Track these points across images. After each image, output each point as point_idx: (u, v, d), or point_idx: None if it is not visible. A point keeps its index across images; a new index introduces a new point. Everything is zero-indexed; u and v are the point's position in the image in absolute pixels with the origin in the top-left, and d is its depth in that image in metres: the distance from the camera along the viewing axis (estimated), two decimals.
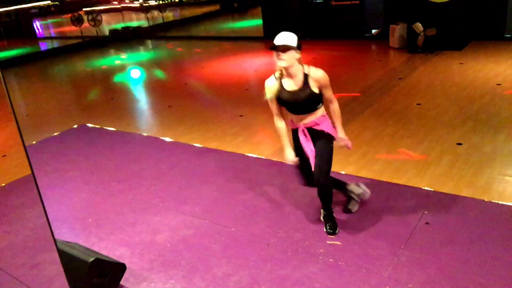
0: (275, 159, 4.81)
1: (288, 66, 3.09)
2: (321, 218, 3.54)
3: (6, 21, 17.98)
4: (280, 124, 3.36)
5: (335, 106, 3.29)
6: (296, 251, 3.25)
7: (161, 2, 19.75)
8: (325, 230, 3.43)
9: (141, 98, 8.32)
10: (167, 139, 5.78)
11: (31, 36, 18.28)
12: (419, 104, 6.08)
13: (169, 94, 8.20)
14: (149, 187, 4.49)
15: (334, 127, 3.32)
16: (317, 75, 3.16)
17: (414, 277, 2.88)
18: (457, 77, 7.11)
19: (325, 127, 3.26)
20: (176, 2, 22.95)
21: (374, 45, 10.32)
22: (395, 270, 2.96)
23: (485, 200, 3.66)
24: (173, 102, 7.51)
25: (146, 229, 3.76)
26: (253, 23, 15.23)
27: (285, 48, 3.03)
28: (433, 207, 3.62)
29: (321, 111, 3.26)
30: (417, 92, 6.59)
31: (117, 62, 12.19)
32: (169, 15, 19.94)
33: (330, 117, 3.32)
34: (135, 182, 4.63)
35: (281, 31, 3.21)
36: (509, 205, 3.55)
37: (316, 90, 3.15)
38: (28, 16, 19.33)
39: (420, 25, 8.60)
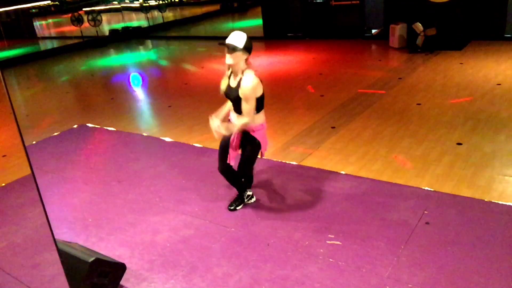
0: (275, 159, 4.81)
1: (232, 64, 3.34)
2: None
3: (6, 21, 17.98)
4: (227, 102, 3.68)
5: (243, 119, 3.43)
6: (296, 251, 3.25)
7: (161, 2, 19.75)
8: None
9: (141, 98, 8.32)
10: (167, 139, 5.78)
11: (31, 36, 18.26)
12: (419, 104, 6.08)
13: (169, 94, 8.20)
14: (149, 187, 4.49)
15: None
16: (243, 85, 3.34)
17: (414, 277, 2.88)
18: (457, 77, 7.11)
19: (259, 135, 3.56)
20: (176, 2, 22.94)
21: (374, 45, 10.32)
22: (395, 270, 2.96)
23: (485, 200, 3.66)
24: (173, 102, 7.51)
25: (146, 229, 3.76)
26: (253, 23, 15.22)
27: (232, 48, 3.27)
28: (433, 207, 3.62)
29: (259, 118, 3.51)
30: (417, 92, 6.59)
31: (117, 62, 12.19)
32: (169, 15, 19.94)
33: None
34: (135, 182, 4.63)
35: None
36: (509, 205, 3.55)
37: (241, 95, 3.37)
38: (28, 16, 19.32)
39: (420, 25, 8.60)
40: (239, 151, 3.69)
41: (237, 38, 3.29)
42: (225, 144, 3.65)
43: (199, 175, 4.62)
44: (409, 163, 4.38)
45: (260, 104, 3.46)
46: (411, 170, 4.29)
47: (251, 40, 3.37)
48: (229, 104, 3.65)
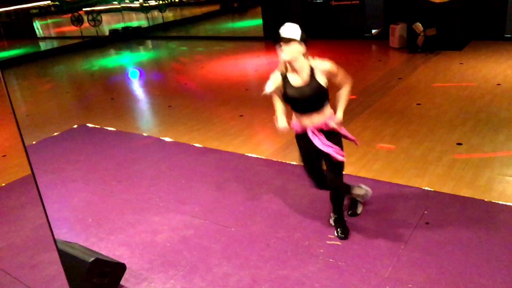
0: (275, 159, 4.81)
1: (291, 59, 2.95)
2: (331, 222, 3.47)
3: (6, 21, 17.97)
4: (276, 97, 3.19)
5: (346, 88, 3.21)
6: (296, 251, 3.25)
7: (161, 2, 19.74)
8: (336, 235, 3.35)
9: (141, 98, 8.32)
10: (167, 139, 5.78)
11: (31, 36, 18.26)
12: (419, 104, 6.08)
13: (169, 94, 8.20)
14: (149, 187, 4.49)
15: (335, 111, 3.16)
16: (324, 67, 3.07)
17: (414, 277, 2.88)
18: (457, 77, 7.11)
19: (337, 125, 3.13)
20: (176, 2, 22.94)
21: (374, 45, 10.32)
22: (395, 270, 2.96)
23: (485, 200, 3.66)
24: (173, 102, 7.50)
25: (146, 229, 3.76)
26: (253, 23, 15.22)
27: (288, 41, 2.90)
28: (433, 207, 3.62)
29: (328, 109, 3.14)
30: (417, 92, 6.59)
31: (117, 62, 12.19)
32: (169, 15, 19.93)
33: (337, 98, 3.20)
34: (135, 182, 4.63)
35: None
36: (509, 205, 3.55)
37: (323, 84, 3.06)
38: (28, 16, 19.32)
39: (420, 25, 8.60)
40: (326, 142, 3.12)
41: (291, 30, 2.90)
42: (309, 163, 3.25)
43: (199, 175, 4.62)
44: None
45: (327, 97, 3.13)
46: (411, 170, 4.29)
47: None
48: (278, 100, 3.20)
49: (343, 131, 3.21)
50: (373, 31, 10.95)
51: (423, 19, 8.65)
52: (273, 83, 3.09)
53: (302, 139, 3.21)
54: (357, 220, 3.55)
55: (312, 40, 11.56)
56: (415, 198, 3.78)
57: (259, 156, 4.92)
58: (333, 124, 3.11)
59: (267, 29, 12.27)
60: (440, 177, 4.11)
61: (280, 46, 2.92)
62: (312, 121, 3.11)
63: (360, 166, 4.47)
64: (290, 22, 3.04)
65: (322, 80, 3.07)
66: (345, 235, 3.33)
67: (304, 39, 2.97)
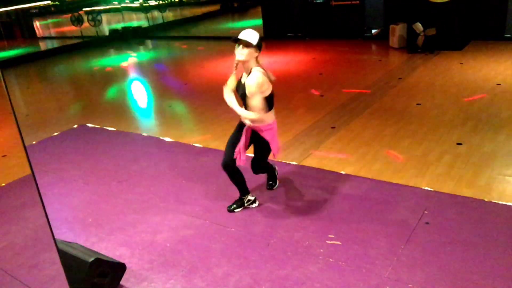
0: (275, 159, 4.81)
1: (244, 60, 3.35)
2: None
3: (6, 21, 17.98)
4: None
5: (251, 113, 3.41)
6: (296, 251, 3.25)
7: (161, 2, 19.75)
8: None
9: (141, 98, 8.32)
10: (167, 139, 5.78)
11: (31, 36, 18.27)
12: (419, 104, 6.08)
13: (169, 94, 8.20)
14: (149, 187, 4.49)
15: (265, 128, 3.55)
16: (248, 82, 3.34)
17: (414, 277, 2.88)
18: (457, 77, 7.11)
19: (267, 135, 3.56)
20: (176, 2, 22.94)
21: (374, 45, 10.32)
22: (395, 270, 2.96)
23: (485, 200, 3.66)
24: (173, 102, 7.51)
25: (146, 229, 3.76)
26: (253, 23, 15.21)
27: (246, 44, 3.29)
28: (433, 207, 3.62)
29: (268, 117, 3.48)
30: (417, 92, 6.59)
31: (117, 62, 12.19)
32: (169, 15, 19.94)
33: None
34: (135, 182, 4.63)
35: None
36: (509, 205, 3.55)
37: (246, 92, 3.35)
38: (28, 16, 19.33)
39: (420, 25, 8.60)
40: (245, 152, 3.65)
41: (250, 35, 3.31)
42: (234, 140, 3.66)
43: (199, 175, 4.62)
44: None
45: (269, 104, 3.45)
46: (411, 170, 4.29)
47: (261, 39, 3.41)
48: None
49: (268, 137, 3.60)
50: (373, 31, 10.95)
51: (423, 19, 8.65)
52: (231, 79, 3.58)
53: (238, 125, 3.71)
54: (357, 220, 3.55)
55: (312, 40, 11.60)
56: (415, 198, 3.78)
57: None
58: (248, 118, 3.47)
59: (267, 29, 12.27)
60: (440, 177, 4.11)
61: (239, 47, 3.34)
62: (248, 123, 3.51)
63: (360, 166, 4.47)
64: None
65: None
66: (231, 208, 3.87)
67: (259, 45, 3.36)
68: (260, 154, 3.75)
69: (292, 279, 2.98)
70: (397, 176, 4.20)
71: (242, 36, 3.31)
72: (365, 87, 7.07)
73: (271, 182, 4.18)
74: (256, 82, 3.29)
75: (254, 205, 3.89)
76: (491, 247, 3.09)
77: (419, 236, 3.28)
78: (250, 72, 3.39)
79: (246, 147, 3.66)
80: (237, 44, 3.34)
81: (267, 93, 3.40)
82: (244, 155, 3.61)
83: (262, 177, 4.42)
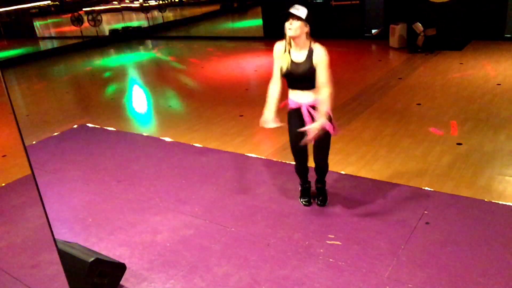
0: (275, 159, 4.81)
1: (295, 36, 3.18)
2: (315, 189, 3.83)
3: (6, 21, 17.97)
4: (274, 87, 3.41)
5: (325, 92, 3.21)
6: (296, 251, 3.25)
7: (161, 2, 19.74)
8: (318, 203, 3.78)
9: (141, 98, 8.32)
10: (167, 139, 5.78)
11: (31, 36, 18.26)
12: (419, 104, 6.08)
13: (169, 94, 8.20)
14: (149, 187, 4.49)
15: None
16: (318, 52, 3.23)
17: (414, 277, 2.88)
18: (457, 77, 7.11)
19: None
20: (176, 2, 22.94)
21: (374, 45, 10.32)
22: (395, 270, 2.96)
23: (485, 200, 3.66)
24: (173, 102, 7.51)
25: (146, 229, 3.76)
26: (253, 23, 15.21)
27: (294, 18, 3.14)
28: (433, 207, 3.62)
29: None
30: (417, 92, 6.59)
31: (117, 62, 12.19)
32: (169, 15, 19.93)
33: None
34: (135, 182, 4.63)
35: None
36: (509, 205, 3.55)
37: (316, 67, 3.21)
38: (28, 16, 19.32)
39: (420, 25, 8.60)
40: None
41: (299, 10, 3.16)
42: (298, 142, 3.34)
43: (199, 175, 4.62)
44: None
45: None
46: (411, 170, 4.29)
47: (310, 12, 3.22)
48: (275, 91, 3.40)
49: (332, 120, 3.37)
50: (373, 31, 10.95)
51: (423, 19, 8.65)
52: (282, 56, 3.33)
53: (294, 116, 3.41)
54: (357, 220, 3.55)
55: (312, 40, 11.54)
56: (415, 198, 3.78)
57: (259, 156, 4.92)
58: (311, 131, 3.19)
59: (267, 29, 12.26)
60: (440, 177, 4.11)
61: (287, 21, 3.17)
62: (307, 100, 3.32)
63: (360, 166, 4.47)
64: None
65: (315, 63, 3.25)
66: (322, 203, 3.78)
67: (310, 20, 3.18)
68: (328, 139, 3.42)
69: (292, 279, 2.98)
70: (397, 176, 4.20)
71: (293, 10, 3.16)
72: (365, 87, 7.07)
73: (321, 198, 3.82)
74: (325, 51, 3.22)
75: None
76: (491, 247, 3.09)
77: (419, 236, 3.28)
78: (305, 48, 3.24)
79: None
80: (287, 20, 3.18)
81: None
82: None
83: (262, 176, 4.42)
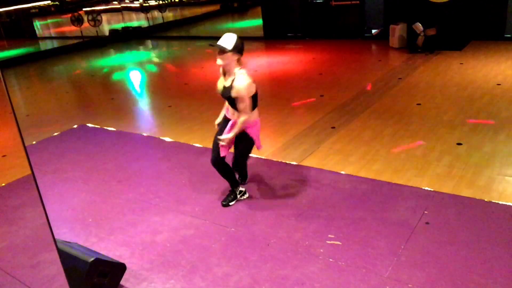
0: (275, 159, 4.81)
1: (223, 65, 3.51)
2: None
3: (6, 21, 17.97)
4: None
5: (241, 119, 3.57)
6: (296, 251, 3.25)
7: (161, 2, 19.74)
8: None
9: (141, 98, 8.32)
10: (167, 139, 5.78)
11: (31, 36, 18.26)
12: (419, 104, 6.08)
13: (169, 94, 8.20)
14: (149, 187, 4.49)
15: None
16: (236, 85, 3.47)
17: (414, 277, 2.88)
18: (457, 77, 7.11)
19: (252, 132, 3.68)
20: (176, 2, 22.94)
21: (374, 45, 10.32)
22: (395, 270, 2.96)
23: (485, 200, 3.66)
24: (173, 102, 7.51)
25: (146, 229, 3.76)
26: (253, 23, 15.21)
27: (221, 50, 3.43)
28: (433, 207, 3.62)
29: (253, 115, 3.63)
30: (417, 92, 6.59)
31: (117, 62, 12.19)
32: (169, 15, 19.93)
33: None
34: (135, 182, 4.63)
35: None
36: (509, 205, 3.55)
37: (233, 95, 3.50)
38: (28, 16, 19.32)
39: (420, 25, 8.60)
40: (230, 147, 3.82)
41: (227, 40, 3.45)
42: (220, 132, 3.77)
43: (199, 175, 4.62)
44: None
45: (254, 102, 3.60)
46: (411, 170, 4.29)
47: (242, 40, 3.52)
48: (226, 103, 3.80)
49: (257, 139, 3.78)
50: (373, 31, 10.95)
51: (423, 19, 8.65)
52: (219, 82, 3.69)
53: (224, 123, 3.79)
54: (357, 220, 3.55)
55: (312, 40, 11.60)
56: (415, 198, 3.78)
57: (259, 156, 4.92)
58: (223, 138, 3.65)
59: (267, 29, 12.27)
60: (440, 177, 4.11)
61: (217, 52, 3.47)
62: (233, 115, 3.66)
63: (360, 166, 4.47)
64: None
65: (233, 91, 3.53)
66: (226, 202, 3.95)
67: (238, 48, 3.47)
68: (245, 150, 3.87)
69: (292, 279, 2.98)
70: (397, 176, 4.20)
71: (219, 41, 3.45)
72: (365, 87, 7.07)
73: (228, 199, 4.04)
74: (244, 86, 3.45)
75: (245, 196, 4.03)
76: (491, 247, 3.09)
77: (419, 236, 3.28)
78: (233, 75, 3.52)
79: (232, 142, 3.76)
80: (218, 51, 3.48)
81: (252, 93, 3.55)
82: (227, 149, 3.74)
83: (262, 176, 4.42)
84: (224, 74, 3.65)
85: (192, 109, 6.97)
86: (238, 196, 4.00)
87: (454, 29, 8.68)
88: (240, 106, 3.51)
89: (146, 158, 5.22)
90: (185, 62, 11.36)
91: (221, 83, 3.66)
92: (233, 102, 3.56)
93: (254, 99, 3.61)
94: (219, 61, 3.50)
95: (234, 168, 3.96)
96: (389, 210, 3.64)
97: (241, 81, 3.47)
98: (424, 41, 8.69)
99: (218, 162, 3.78)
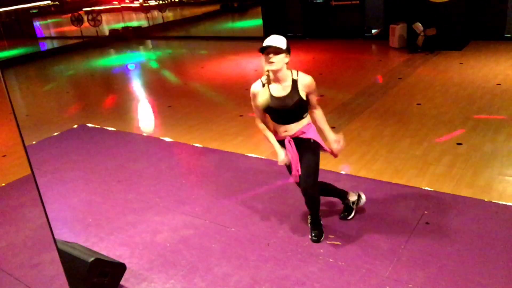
0: (275, 159, 4.80)
1: (277, 69, 2.98)
2: (308, 224, 3.49)
3: (6, 21, 17.97)
4: (262, 125, 3.29)
5: (320, 112, 3.26)
6: (296, 251, 3.25)
7: (161, 2, 19.74)
8: (310, 237, 3.38)
9: (141, 98, 8.32)
10: (167, 139, 5.78)
11: (31, 36, 18.26)
12: (419, 104, 6.08)
13: (169, 94, 8.20)
14: (149, 187, 4.49)
15: (321, 133, 3.26)
16: (306, 81, 3.08)
17: (414, 277, 2.88)
18: (457, 77, 7.11)
19: (312, 135, 3.19)
20: (176, 2, 22.94)
21: (374, 45, 10.33)
22: (395, 270, 2.96)
23: (485, 200, 3.66)
24: (173, 102, 7.51)
25: (146, 229, 3.76)
26: (253, 23, 15.22)
27: (275, 51, 2.93)
28: (433, 207, 3.62)
29: (306, 119, 3.20)
30: (417, 92, 6.59)
31: (117, 62, 12.19)
32: (169, 15, 19.94)
33: (315, 124, 3.29)
34: (135, 182, 4.63)
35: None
36: (509, 205, 3.55)
37: (304, 97, 3.09)
38: (28, 16, 19.32)
39: (420, 25, 8.60)
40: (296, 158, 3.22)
41: (279, 40, 2.95)
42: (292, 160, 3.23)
43: (199, 175, 4.62)
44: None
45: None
46: (411, 170, 4.29)
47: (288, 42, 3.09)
48: (266, 128, 3.29)
49: (320, 141, 3.25)
50: (373, 31, 10.95)
51: (423, 19, 8.65)
52: (263, 96, 3.08)
53: (281, 145, 3.26)
54: (357, 220, 3.55)
55: (312, 40, 11.60)
56: (415, 198, 3.78)
57: (259, 156, 4.92)
58: (336, 147, 3.24)
59: (267, 29, 12.27)
60: (440, 177, 4.11)
61: (268, 56, 2.95)
62: (289, 133, 3.17)
63: (360, 166, 4.47)
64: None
65: (302, 92, 3.09)
66: (317, 238, 3.33)
67: (289, 50, 3.03)
68: (317, 158, 3.22)
69: (292, 279, 2.98)
70: (397, 176, 4.20)
71: (269, 42, 2.94)
72: (365, 87, 7.07)
73: (346, 213, 3.59)
74: (311, 78, 3.08)
75: (362, 201, 3.58)
76: (491, 247, 3.09)
77: (419, 236, 3.28)
78: (284, 81, 3.06)
79: (298, 159, 3.21)
80: (264, 54, 2.97)
81: None
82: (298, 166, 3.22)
83: (262, 176, 4.42)
84: (269, 82, 3.08)
85: (192, 109, 6.97)
86: (353, 206, 3.56)
87: (454, 29, 8.68)
88: (315, 99, 3.12)
89: (146, 158, 5.22)
90: (185, 62, 11.36)
91: (266, 94, 3.07)
92: (294, 112, 3.08)
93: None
94: (272, 66, 2.95)
95: (310, 194, 3.26)
96: (389, 210, 3.64)
97: (305, 75, 3.07)
98: (424, 41, 8.69)
99: (311, 190, 3.20)
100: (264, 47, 2.94)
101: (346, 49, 10.15)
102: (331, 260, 3.12)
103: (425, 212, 3.56)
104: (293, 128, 3.16)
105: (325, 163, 4.61)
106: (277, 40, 2.95)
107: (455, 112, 5.64)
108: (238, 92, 7.67)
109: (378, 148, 4.86)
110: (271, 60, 2.94)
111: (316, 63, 9.09)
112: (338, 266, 3.05)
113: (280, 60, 2.96)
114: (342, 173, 4.35)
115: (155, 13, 18.86)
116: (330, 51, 10.12)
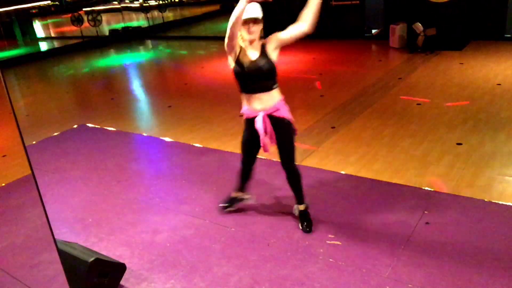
0: (275, 159, 4.80)
1: (256, 38, 3.13)
2: (295, 214, 3.55)
3: (6, 21, 17.97)
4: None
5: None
6: (296, 251, 3.25)
7: (161, 2, 19.75)
8: (301, 228, 3.43)
9: (141, 98, 8.32)
10: (167, 139, 5.78)
11: (31, 36, 18.25)
12: (419, 104, 6.08)
13: (169, 94, 8.20)
14: (149, 187, 4.49)
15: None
16: (270, 38, 3.17)
17: (414, 277, 2.88)
18: (457, 77, 7.11)
19: (285, 113, 3.25)
20: (176, 2, 22.94)
21: (374, 45, 10.32)
22: (395, 270, 2.96)
23: (485, 200, 3.66)
24: (173, 102, 7.50)
25: (146, 229, 3.76)
26: None
27: (256, 21, 3.08)
28: (433, 207, 3.62)
29: (277, 93, 3.26)
30: (417, 92, 6.59)
31: (117, 62, 12.19)
32: (169, 15, 19.94)
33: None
34: (135, 182, 4.63)
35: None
36: (509, 205, 3.55)
37: (274, 58, 3.19)
38: (28, 16, 19.32)
39: (420, 25, 8.60)
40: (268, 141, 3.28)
41: (256, 9, 3.06)
42: (250, 139, 3.38)
43: (199, 175, 4.62)
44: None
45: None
46: (411, 170, 4.29)
47: None
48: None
49: (288, 114, 3.27)
50: (373, 31, 10.95)
51: (423, 19, 8.65)
52: (237, 61, 3.20)
53: (251, 124, 3.32)
54: (357, 220, 3.55)
55: (312, 40, 11.59)
56: (415, 198, 3.78)
57: (259, 156, 4.90)
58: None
59: (267, 29, 12.25)
60: (440, 177, 4.11)
61: (249, 26, 3.06)
62: (262, 103, 3.22)
63: (360, 166, 4.47)
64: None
65: (274, 54, 3.21)
66: (309, 228, 3.44)
67: (263, 17, 3.13)
68: (290, 137, 3.30)
69: (292, 279, 2.98)
70: (397, 176, 4.20)
71: (250, 13, 3.03)
72: (365, 87, 7.07)
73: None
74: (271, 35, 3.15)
75: (244, 201, 3.87)
76: (491, 247, 3.09)
77: (419, 236, 3.28)
78: (256, 48, 3.16)
79: (272, 136, 3.28)
80: (247, 24, 3.08)
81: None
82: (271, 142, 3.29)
83: (262, 176, 4.42)
84: (239, 52, 3.19)
85: (192, 109, 6.97)
86: (234, 202, 3.86)
87: (454, 29, 8.68)
88: (293, 28, 3.15)
89: (146, 158, 5.22)
90: (185, 62, 11.36)
91: (244, 62, 3.17)
92: (266, 76, 3.19)
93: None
94: (252, 35, 3.09)
95: (289, 167, 3.39)
96: (389, 210, 3.64)
97: (268, 38, 3.15)
98: (424, 41, 8.69)
99: (291, 164, 3.34)
100: (250, 18, 3.05)
101: (346, 49, 10.15)
102: (331, 260, 3.12)
103: (425, 212, 3.56)
104: (267, 100, 3.21)
105: (325, 163, 4.62)
106: (257, 10, 3.08)
107: (455, 112, 5.64)
108: (238, 92, 7.66)
109: (378, 148, 4.86)
110: (252, 29, 3.08)
111: (316, 63, 9.09)
112: (338, 266, 3.05)
113: (258, 29, 3.12)
114: (342, 173, 4.35)
115: (155, 13, 18.86)
116: (330, 51, 10.12)
